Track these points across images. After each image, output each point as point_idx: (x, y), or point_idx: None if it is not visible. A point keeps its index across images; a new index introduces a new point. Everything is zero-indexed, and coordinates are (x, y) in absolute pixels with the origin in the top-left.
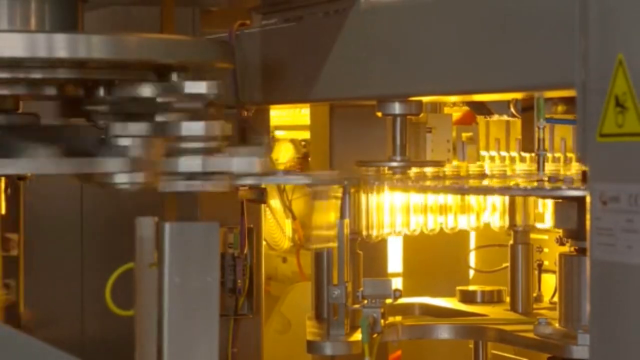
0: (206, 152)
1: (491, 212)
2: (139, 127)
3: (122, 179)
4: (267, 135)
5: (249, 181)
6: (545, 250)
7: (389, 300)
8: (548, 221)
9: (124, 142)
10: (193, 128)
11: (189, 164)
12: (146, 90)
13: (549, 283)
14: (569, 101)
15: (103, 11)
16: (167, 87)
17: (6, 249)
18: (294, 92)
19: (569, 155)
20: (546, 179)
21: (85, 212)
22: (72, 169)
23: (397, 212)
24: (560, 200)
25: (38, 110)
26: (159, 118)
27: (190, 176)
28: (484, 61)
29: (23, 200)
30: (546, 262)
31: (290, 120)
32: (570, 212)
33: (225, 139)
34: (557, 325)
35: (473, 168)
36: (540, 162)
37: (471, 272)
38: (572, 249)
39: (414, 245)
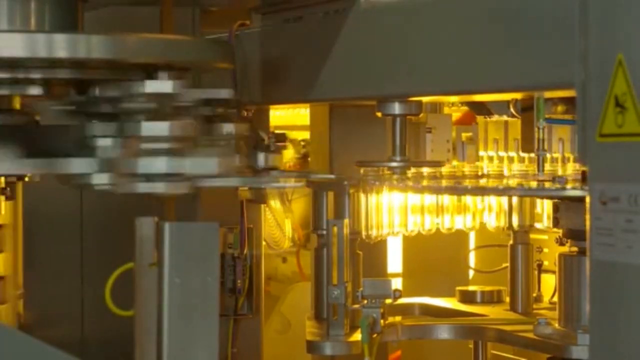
0: (169, 153)
1: (489, 212)
2: (110, 128)
3: (96, 179)
4: (272, 134)
5: (208, 183)
6: (545, 250)
7: (388, 301)
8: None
9: (99, 142)
10: (155, 128)
11: (148, 165)
12: (111, 91)
13: (549, 283)
14: (569, 101)
15: (103, 11)
16: (129, 86)
17: None
18: (294, 92)
19: (567, 155)
20: (548, 179)
21: (85, 212)
22: (40, 170)
23: (397, 212)
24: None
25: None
26: (123, 118)
27: (150, 178)
28: (484, 61)
29: (22, 201)
30: (546, 262)
31: (290, 120)
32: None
33: (191, 140)
34: (556, 325)
35: (472, 168)
36: (540, 162)
37: (471, 272)
38: (572, 249)
39: (414, 245)
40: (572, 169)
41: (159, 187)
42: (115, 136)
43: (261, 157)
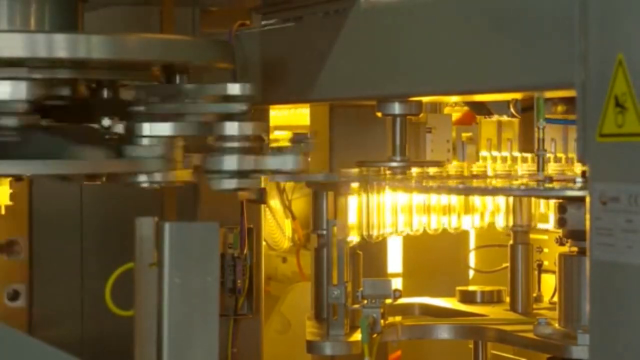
0: (243, 151)
1: (490, 212)
2: (168, 128)
3: (154, 178)
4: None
5: (284, 179)
6: (545, 250)
7: (388, 301)
8: (551, 222)
9: (149, 142)
10: (233, 128)
11: (233, 162)
12: (182, 91)
13: (549, 283)
14: (569, 101)
15: (103, 11)
16: (206, 88)
17: (11, 253)
18: (294, 92)
19: (559, 155)
20: (547, 178)
21: (85, 212)
22: (120, 169)
23: (396, 213)
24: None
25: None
26: (192, 119)
27: (232, 175)
28: (484, 61)
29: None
30: (546, 262)
31: (290, 120)
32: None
33: (260, 139)
34: (556, 325)
35: (471, 168)
36: (539, 162)
37: (471, 272)
38: (572, 249)
39: (414, 245)
40: (562, 168)
41: (244, 183)
42: (169, 136)
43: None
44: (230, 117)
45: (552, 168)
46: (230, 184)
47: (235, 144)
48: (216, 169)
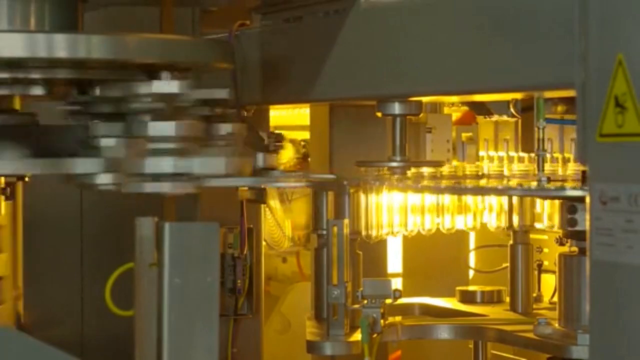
0: (176, 153)
1: (489, 212)
2: (114, 128)
3: (101, 179)
4: (271, 134)
5: (214, 183)
6: (545, 250)
7: (388, 301)
8: (547, 221)
9: (103, 142)
10: (162, 128)
11: (155, 165)
12: (115, 90)
13: (549, 283)
14: (569, 101)
15: (103, 11)
16: (135, 86)
17: None
18: (294, 92)
19: (556, 155)
20: (546, 178)
21: (85, 212)
22: (44, 170)
23: (396, 213)
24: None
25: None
26: (130, 118)
27: (157, 177)
28: (484, 61)
29: (22, 201)
30: (546, 262)
31: (290, 120)
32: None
33: (197, 140)
34: (556, 325)
35: (471, 168)
36: (539, 162)
37: (471, 272)
38: (572, 249)
39: (414, 245)
40: (572, 168)
41: (165, 187)
42: (119, 136)
43: (260, 157)
44: (164, 116)
45: (546, 168)
46: (151, 187)
47: (162, 145)
48: (136, 172)
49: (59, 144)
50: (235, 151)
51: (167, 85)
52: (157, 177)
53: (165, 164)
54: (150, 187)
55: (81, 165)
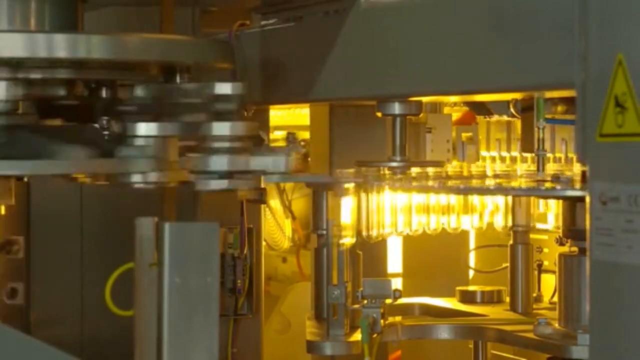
0: (233, 151)
1: (490, 212)
2: (162, 128)
3: (147, 178)
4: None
5: (276, 180)
6: (545, 250)
7: (388, 301)
8: (550, 222)
9: (143, 142)
10: (223, 128)
11: (222, 162)
12: (173, 91)
13: (549, 283)
14: (569, 101)
15: (103, 11)
16: (196, 88)
17: (10, 252)
18: (294, 92)
19: (570, 155)
20: (548, 178)
21: (85, 212)
22: (106, 170)
23: (396, 213)
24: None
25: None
26: (186, 118)
27: (222, 175)
28: (484, 61)
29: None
30: (546, 262)
31: (290, 120)
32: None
33: (250, 139)
34: (556, 325)
35: (475, 168)
36: (540, 162)
37: (471, 272)
38: (572, 249)
39: (414, 245)
40: (556, 168)
41: (234, 184)
42: (156, 136)
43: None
44: (221, 117)
45: (553, 168)
46: (219, 184)
47: (226, 144)
48: (203, 170)
49: (102, 143)
50: (291, 149)
51: (227, 87)
52: (223, 175)
53: (234, 162)
54: (218, 185)
55: (136, 165)
